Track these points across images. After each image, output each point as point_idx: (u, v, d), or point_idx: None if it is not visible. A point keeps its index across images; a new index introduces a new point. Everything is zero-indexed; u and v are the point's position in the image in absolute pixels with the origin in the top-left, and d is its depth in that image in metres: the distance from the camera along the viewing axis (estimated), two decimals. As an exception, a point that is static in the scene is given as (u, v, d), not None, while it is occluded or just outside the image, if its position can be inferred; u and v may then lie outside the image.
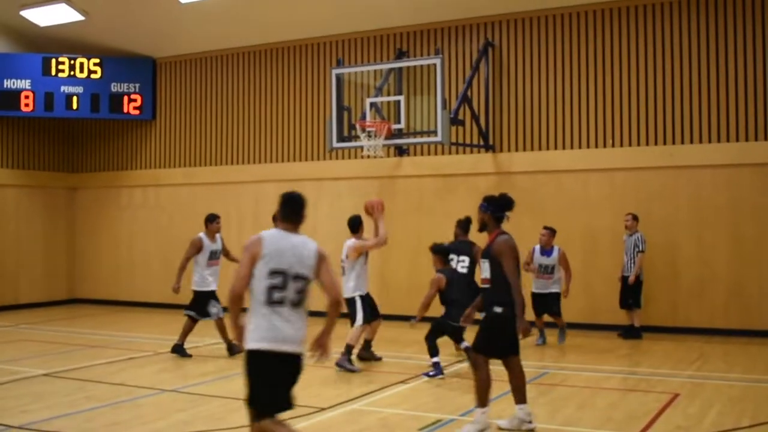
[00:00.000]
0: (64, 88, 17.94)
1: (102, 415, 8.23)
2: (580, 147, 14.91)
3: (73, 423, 7.79)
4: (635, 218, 13.42)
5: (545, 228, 13.09)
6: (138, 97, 18.51)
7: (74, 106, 18.00)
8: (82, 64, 18.05)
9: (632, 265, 13.20)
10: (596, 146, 14.79)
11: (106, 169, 19.78)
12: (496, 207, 7.48)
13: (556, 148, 15.10)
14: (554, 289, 12.92)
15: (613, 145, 14.66)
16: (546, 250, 12.97)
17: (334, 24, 16.60)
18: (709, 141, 13.96)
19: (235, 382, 10.05)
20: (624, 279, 13.39)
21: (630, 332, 13.27)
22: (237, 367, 10.92)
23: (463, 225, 11.58)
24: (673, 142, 14.21)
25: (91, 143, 20.03)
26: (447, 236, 11.88)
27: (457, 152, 15.82)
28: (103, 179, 19.73)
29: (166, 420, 7.99)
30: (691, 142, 14.09)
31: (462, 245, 11.34)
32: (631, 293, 13.32)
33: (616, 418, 7.94)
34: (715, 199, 13.74)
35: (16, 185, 18.47)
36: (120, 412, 8.38)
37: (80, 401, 8.84)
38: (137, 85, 18.51)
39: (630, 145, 14.54)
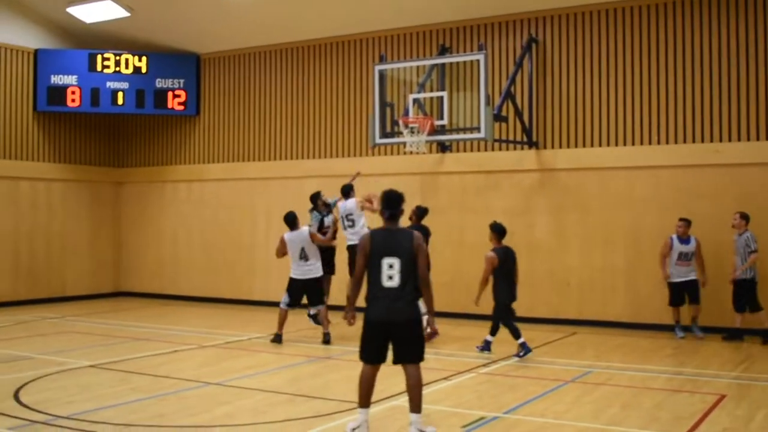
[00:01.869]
0: (110, 84, 18.20)
1: (147, 406, 8.32)
2: (624, 144, 14.68)
3: (118, 414, 7.87)
4: (743, 217, 12.81)
5: (681, 219, 13.27)
6: (182, 93, 18.72)
7: (119, 102, 18.25)
8: (127, 60, 18.30)
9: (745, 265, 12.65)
10: (641, 143, 14.55)
11: (151, 164, 20.04)
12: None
13: (600, 144, 14.90)
14: (693, 276, 13.18)
15: (658, 142, 14.42)
16: (684, 239, 13.18)
17: (377, 20, 16.57)
18: (757, 138, 13.66)
19: (277, 376, 10.14)
20: (737, 281, 12.78)
21: (736, 334, 12.84)
22: (279, 362, 11.07)
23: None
24: (720, 140, 13.94)
25: (136, 138, 20.30)
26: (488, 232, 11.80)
27: (500, 149, 15.70)
28: (148, 174, 19.99)
29: (210, 413, 8.04)
30: (738, 139, 13.80)
31: None
32: (745, 295, 12.75)
33: (662, 418, 7.82)
34: (763, 197, 13.43)
35: (63, 179, 18.81)
36: (164, 404, 8.46)
37: (125, 393, 8.95)
38: (181, 80, 18.72)
39: (675, 142, 14.29)
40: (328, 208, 13.94)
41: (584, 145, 15.00)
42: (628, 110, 14.65)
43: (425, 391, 7.21)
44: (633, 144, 14.60)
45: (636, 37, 14.63)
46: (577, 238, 13.06)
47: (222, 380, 9.67)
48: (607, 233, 13.37)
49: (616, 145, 14.73)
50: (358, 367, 7.05)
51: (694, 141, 14.12)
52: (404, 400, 7.22)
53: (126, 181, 20.31)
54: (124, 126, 20.37)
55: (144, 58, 18.38)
